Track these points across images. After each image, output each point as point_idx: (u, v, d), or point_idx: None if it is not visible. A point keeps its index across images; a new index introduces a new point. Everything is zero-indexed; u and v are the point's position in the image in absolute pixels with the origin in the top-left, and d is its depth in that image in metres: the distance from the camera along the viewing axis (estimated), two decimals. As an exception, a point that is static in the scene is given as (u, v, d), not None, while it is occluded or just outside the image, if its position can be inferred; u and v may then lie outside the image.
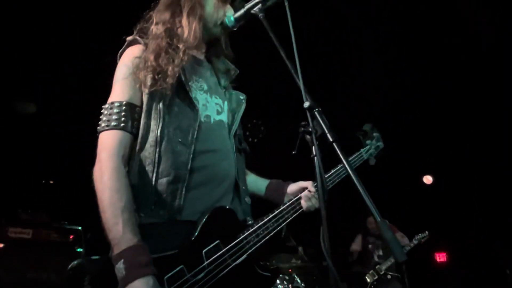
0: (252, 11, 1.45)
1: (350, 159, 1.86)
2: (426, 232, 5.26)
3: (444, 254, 8.66)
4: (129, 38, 1.52)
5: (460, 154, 7.13)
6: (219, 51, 1.69)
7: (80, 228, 4.20)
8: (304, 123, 1.11)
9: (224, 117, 1.58)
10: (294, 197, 1.60)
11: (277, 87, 4.71)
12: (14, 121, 5.13)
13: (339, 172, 1.70)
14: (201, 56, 1.64)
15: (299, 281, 4.77)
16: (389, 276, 5.04)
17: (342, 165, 1.67)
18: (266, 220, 1.47)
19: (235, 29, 1.57)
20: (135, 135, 1.38)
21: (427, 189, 8.03)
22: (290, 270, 4.90)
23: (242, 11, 1.49)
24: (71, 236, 4.10)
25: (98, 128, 1.36)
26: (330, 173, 1.70)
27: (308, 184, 1.63)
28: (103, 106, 1.40)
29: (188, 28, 1.49)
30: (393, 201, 6.94)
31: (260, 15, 1.41)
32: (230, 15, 1.55)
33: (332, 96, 5.55)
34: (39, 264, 3.75)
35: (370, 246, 5.36)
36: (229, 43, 1.71)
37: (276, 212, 1.51)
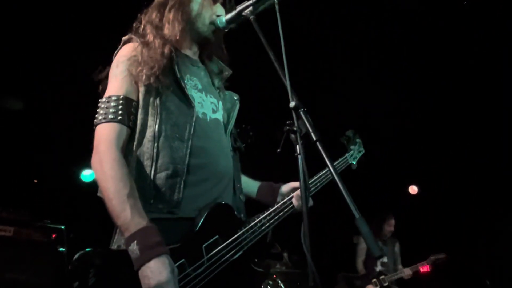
0: (243, 13, 1.49)
1: (336, 163, 1.97)
2: (443, 254, 5.24)
3: (427, 265, 8.72)
4: (125, 38, 1.57)
5: (446, 164, 7.25)
6: (211, 52, 1.74)
7: (63, 227, 4.15)
8: (289, 122, 1.15)
9: (219, 116, 1.62)
10: (287, 197, 1.68)
11: (264, 89, 4.75)
12: (-1, 118, 5.06)
13: (326, 174, 1.80)
14: (195, 57, 1.68)
15: (283, 286, 4.78)
16: None
17: (324, 171, 1.79)
18: (261, 217, 1.54)
19: (226, 30, 1.60)
20: (131, 129, 1.42)
21: (412, 199, 8.13)
22: (274, 276, 4.91)
23: (233, 13, 1.54)
24: (54, 235, 4.04)
25: (95, 121, 1.40)
26: (319, 175, 1.80)
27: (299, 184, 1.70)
28: (100, 100, 1.44)
29: (170, 25, 1.55)
30: (377, 211, 7.02)
31: (251, 17, 1.45)
32: (222, 17, 1.58)
33: (318, 102, 5.61)
34: (19, 263, 3.68)
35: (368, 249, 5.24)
36: (224, 45, 1.75)
37: (271, 210, 1.59)
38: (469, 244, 7.49)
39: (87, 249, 1.19)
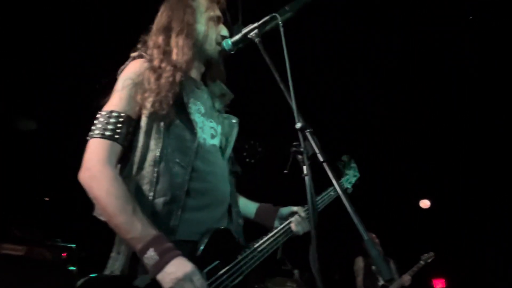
0: (249, 36, 1.52)
1: (330, 188, 1.92)
2: (431, 252, 5.21)
3: (443, 280, 8.54)
4: (134, 54, 1.54)
5: (458, 178, 7.15)
6: (214, 74, 1.72)
7: (74, 246, 4.17)
8: (295, 143, 1.15)
9: (217, 141, 1.60)
10: (286, 221, 1.67)
11: (270, 110, 4.78)
12: (10, 138, 5.15)
13: (329, 194, 1.82)
14: (198, 78, 1.66)
15: (294, 304, 4.70)
16: None
17: (332, 187, 1.82)
18: (261, 242, 1.52)
19: (232, 52, 1.62)
20: (125, 148, 1.39)
21: (424, 214, 8.00)
22: (285, 293, 4.84)
23: (239, 35, 1.56)
24: (64, 254, 4.06)
25: (90, 133, 1.36)
26: (321, 195, 1.80)
27: (298, 209, 1.72)
28: (99, 112, 1.40)
29: (177, 48, 1.51)
30: (390, 226, 6.91)
31: (256, 39, 1.48)
32: (228, 39, 1.60)
33: (327, 118, 5.61)
34: (31, 282, 3.69)
35: (373, 267, 5.21)
36: (224, 66, 1.75)
37: (270, 235, 1.57)
38: (485, 260, 7.30)
39: (91, 276, 1.17)
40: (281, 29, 1.36)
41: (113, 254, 1.35)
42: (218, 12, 1.65)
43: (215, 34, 1.62)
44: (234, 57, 1.66)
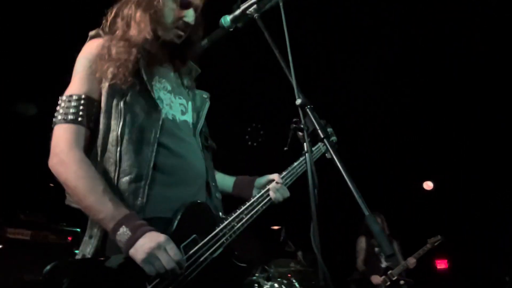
0: (247, 12, 1.48)
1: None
2: (439, 236, 5.19)
3: (445, 261, 8.61)
4: (91, 33, 1.52)
5: (461, 159, 7.12)
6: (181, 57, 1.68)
7: (78, 230, 4.22)
8: (295, 119, 1.13)
9: (188, 117, 1.60)
10: (263, 190, 1.65)
11: (270, 87, 4.72)
12: (14, 123, 5.16)
13: (301, 164, 1.79)
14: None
15: (298, 285, 4.75)
16: (402, 282, 4.93)
17: (303, 158, 1.76)
18: (238, 212, 1.50)
19: (231, 29, 1.59)
20: (91, 130, 1.38)
21: (427, 195, 8.01)
22: (289, 275, 4.88)
23: (237, 11, 1.52)
24: (69, 238, 4.12)
25: (54, 120, 1.36)
26: (293, 165, 1.79)
27: (275, 176, 1.72)
28: (60, 98, 1.39)
29: (137, 26, 1.48)
30: (393, 208, 6.93)
31: (255, 15, 1.45)
32: (226, 16, 1.56)
33: (329, 98, 5.56)
34: (37, 266, 3.75)
35: (376, 249, 5.21)
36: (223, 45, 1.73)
37: (248, 204, 1.55)
38: (488, 241, 7.34)
39: (60, 260, 1.15)
40: (281, 3, 1.32)
41: (85, 238, 1.34)
42: None
43: (175, 18, 1.52)
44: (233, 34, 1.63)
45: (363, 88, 5.87)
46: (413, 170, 7.49)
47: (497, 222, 7.19)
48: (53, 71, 4.67)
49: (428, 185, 7.93)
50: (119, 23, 1.51)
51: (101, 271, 1.17)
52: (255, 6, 1.45)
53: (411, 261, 5.01)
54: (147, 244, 1.16)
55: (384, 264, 5.10)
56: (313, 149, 1.88)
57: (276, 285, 4.56)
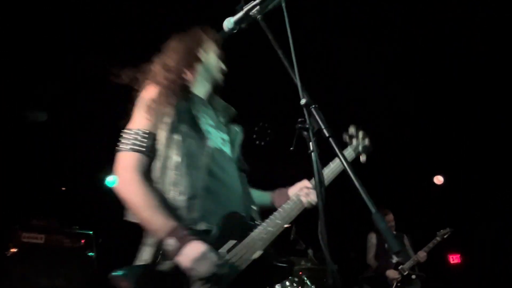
0: (250, 13, 1.50)
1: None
2: (448, 228, 5.14)
3: (458, 255, 8.53)
4: (148, 81, 1.76)
5: (472, 153, 7.04)
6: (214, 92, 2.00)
7: (91, 232, 4.28)
8: (301, 119, 1.14)
9: (227, 148, 1.85)
10: (295, 197, 1.81)
11: (275, 87, 4.72)
12: (27, 129, 5.24)
13: (332, 169, 1.90)
14: (204, 97, 1.93)
15: (309, 283, 4.76)
16: (413, 276, 4.89)
17: (335, 162, 1.87)
18: (273, 218, 1.66)
19: (235, 31, 1.60)
20: (151, 159, 1.62)
21: (438, 190, 7.94)
22: (300, 272, 4.90)
23: (241, 13, 1.53)
24: (83, 241, 4.18)
25: (120, 147, 1.60)
26: (325, 171, 1.89)
27: (305, 182, 1.89)
28: (126, 131, 1.63)
29: (189, 71, 1.82)
30: (404, 202, 6.88)
31: (258, 17, 1.47)
32: (230, 18, 1.58)
33: (338, 94, 5.53)
34: (51, 269, 3.82)
35: (387, 245, 5.17)
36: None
37: (281, 211, 1.71)
38: (501, 235, 7.25)
39: (127, 267, 1.39)
40: (283, 4, 1.33)
41: (142, 246, 1.56)
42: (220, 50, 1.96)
43: (220, 65, 1.94)
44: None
45: (371, 83, 5.83)
46: (423, 165, 7.43)
47: (509, 215, 7.09)
48: (65, 77, 4.74)
49: (438, 179, 7.85)
50: (165, 73, 1.77)
51: (156, 275, 1.39)
52: (258, 7, 1.46)
53: (421, 254, 4.97)
54: (191, 252, 1.37)
55: (395, 260, 5.08)
56: (345, 153, 2.00)
57: (287, 282, 4.58)
